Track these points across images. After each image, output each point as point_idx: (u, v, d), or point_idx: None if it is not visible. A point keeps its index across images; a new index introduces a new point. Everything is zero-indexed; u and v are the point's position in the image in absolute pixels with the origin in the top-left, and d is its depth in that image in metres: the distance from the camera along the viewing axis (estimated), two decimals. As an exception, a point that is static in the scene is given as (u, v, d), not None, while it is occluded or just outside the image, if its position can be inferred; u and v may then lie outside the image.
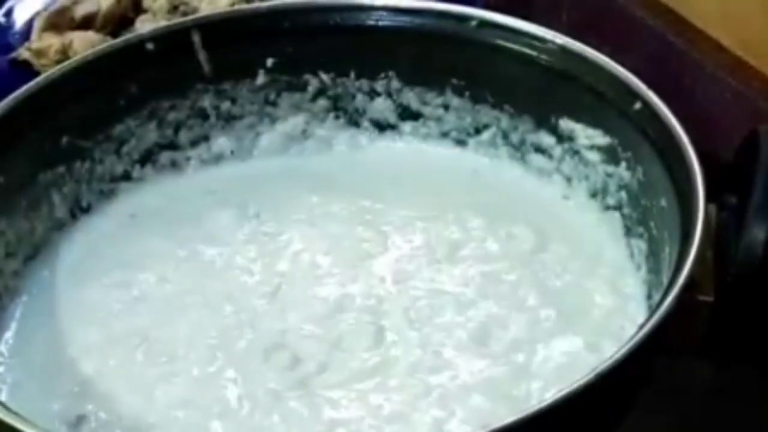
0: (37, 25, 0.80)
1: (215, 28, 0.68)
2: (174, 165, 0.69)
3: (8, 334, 0.59)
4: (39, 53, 0.78)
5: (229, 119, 0.69)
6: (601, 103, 0.61)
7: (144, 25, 0.80)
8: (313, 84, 0.69)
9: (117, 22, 0.81)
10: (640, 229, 0.59)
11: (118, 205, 0.66)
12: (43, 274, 0.63)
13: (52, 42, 0.78)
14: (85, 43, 0.78)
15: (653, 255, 0.57)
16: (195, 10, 0.79)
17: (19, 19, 0.82)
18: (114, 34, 0.80)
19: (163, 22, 0.77)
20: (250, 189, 0.67)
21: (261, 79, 0.68)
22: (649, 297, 0.57)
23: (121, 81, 0.66)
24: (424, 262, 0.61)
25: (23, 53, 0.78)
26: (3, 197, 0.61)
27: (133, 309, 0.60)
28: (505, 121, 0.67)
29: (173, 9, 0.80)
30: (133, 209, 0.66)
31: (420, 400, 0.53)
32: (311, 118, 0.70)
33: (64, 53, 0.77)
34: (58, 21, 0.80)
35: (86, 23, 0.81)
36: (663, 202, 0.55)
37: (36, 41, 0.79)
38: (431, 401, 0.53)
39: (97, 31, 0.80)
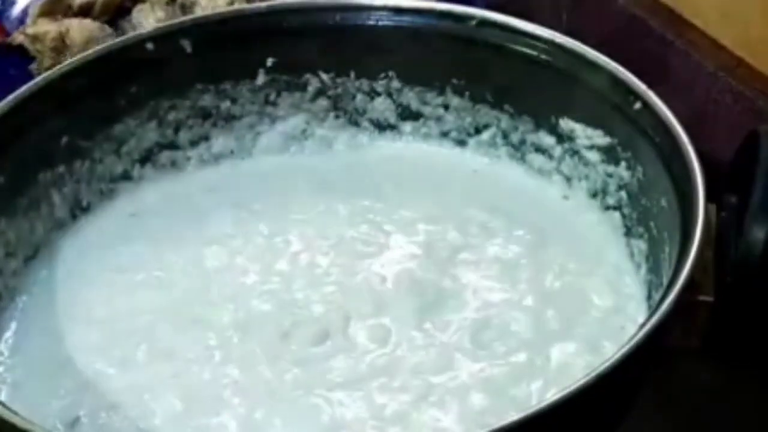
0: (33, 11, 0.80)
1: (215, 27, 0.68)
2: (174, 165, 0.69)
3: (8, 334, 0.59)
4: (35, 38, 0.77)
5: (229, 119, 0.69)
6: (601, 103, 0.61)
7: (141, 14, 0.79)
8: (313, 84, 0.69)
9: (114, 11, 0.81)
10: (640, 229, 0.59)
11: (118, 205, 0.66)
12: (43, 274, 0.62)
13: (49, 29, 0.78)
14: (82, 31, 0.77)
15: (653, 255, 0.57)
16: (194, 2, 0.79)
17: (16, 5, 0.82)
18: (111, 23, 0.80)
19: (160, 12, 0.77)
20: (249, 189, 0.67)
21: (261, 79, 0.68)
22: (649, 297, 0.57)
23: (121, 81, 0.66)
24: (424, 262, 0.61)
25: (17, 37, 0.78)
26: (3, 197, 0.61)
27: (133, 308, 0.60)
28: (505, 121, 0.67)
29: (171, -1, 0.80)
30: (133, 209, 0.66)
31: (422, 400, 0.53)
32: (311, 118, 0.70)
33: (61, 41, 0.77)
34: (55, 9, 0.80)
35: (83, 12, 0.80)
36: (663, 202, 0.55)
37: (31, 26, 0.78)
38: (432, 401, 0.53)
39: (94, 19, 0.80)
